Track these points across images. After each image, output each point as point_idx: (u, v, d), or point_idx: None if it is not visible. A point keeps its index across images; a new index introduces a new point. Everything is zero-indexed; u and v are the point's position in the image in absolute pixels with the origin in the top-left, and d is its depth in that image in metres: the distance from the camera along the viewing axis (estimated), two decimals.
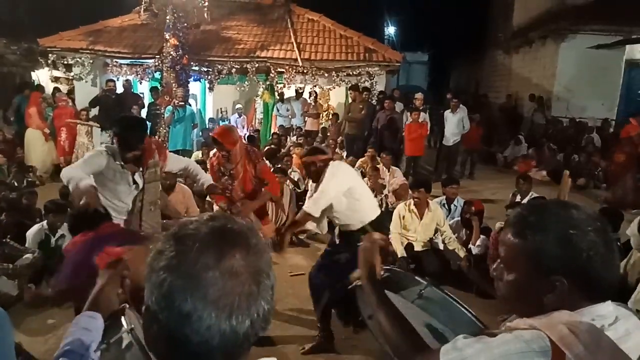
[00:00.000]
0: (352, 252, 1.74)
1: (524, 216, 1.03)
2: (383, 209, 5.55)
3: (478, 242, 4.94)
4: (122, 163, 3.06)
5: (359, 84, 10.00)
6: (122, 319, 1.20)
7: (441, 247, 5.04)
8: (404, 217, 5.03)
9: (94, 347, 1.09)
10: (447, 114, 9.30)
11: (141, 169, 3.17)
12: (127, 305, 1.25)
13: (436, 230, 5.06)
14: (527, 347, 0.91)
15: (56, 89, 10.13)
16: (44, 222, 4.50)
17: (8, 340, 0.98)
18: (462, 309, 1.54)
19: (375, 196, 6.37)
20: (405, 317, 1.22)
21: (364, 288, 1.35)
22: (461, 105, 9.32)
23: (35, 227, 4.49)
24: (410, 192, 5.19)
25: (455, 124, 9.14)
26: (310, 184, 3.63)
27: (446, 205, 5.64)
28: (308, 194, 3.49)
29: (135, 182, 3.16)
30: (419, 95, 9.36)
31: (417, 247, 5.01)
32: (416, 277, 1.69)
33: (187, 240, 0.71)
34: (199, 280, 0.68)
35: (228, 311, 0.68)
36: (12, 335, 0.99)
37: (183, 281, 0.68)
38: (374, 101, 9.97)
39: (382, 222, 3.48)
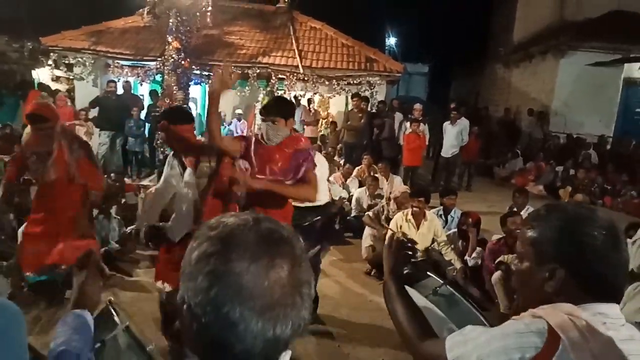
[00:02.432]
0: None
1: (537, 211, 1.11)
2: (383, 216, 5.56)
3: (474, 254, 4.95)
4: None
5: (360, 92, 10.04)
6: (115, 317, 1.19)
7: (437, 257, 5.03)
8: (401, 226, 5.03)
9: (89, 346, 1.08)
10: (446, 125, 9.33)
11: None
12: (112, 299, 1.25)
13: (433, 241, 5.06)
14: (525, 328, 0.95)
15: (56, 90, 10.12)
16: None
17: (21, 339, 0.96)
18: (474, 310, 1.57)
19: (374, 202, 6.40)
20: (419, 308, 1.29)
21: (386, 281, 1.42)
22: (462, 118, 9.37)
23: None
24: (410, 200, 5.18)
25: (454, 135, 9.17)
26: None
27: (443, 216, 5.64)
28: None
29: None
30: (417, 106, 9.39)
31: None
32: (434, 276, 1.75)
33: (236, 247, 0.70)
34: (248, 291, 0.68)
35: (274, 321, 0.68)
36: (25, 336, 0.97)
37: (233, 290, 0.68)
38: (373, 110, 10.00)
39: (327, 208, 4.12)
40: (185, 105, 9.05)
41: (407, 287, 1.40)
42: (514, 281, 1.13)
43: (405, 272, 1.51)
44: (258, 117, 11.03)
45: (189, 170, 2.98)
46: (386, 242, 1.52)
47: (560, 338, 0.90)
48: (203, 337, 0.70)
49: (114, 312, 1.45)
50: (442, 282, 1.70)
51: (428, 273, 1.80)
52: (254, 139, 2.92)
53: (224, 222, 0.74)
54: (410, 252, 1.45)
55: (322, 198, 3.51)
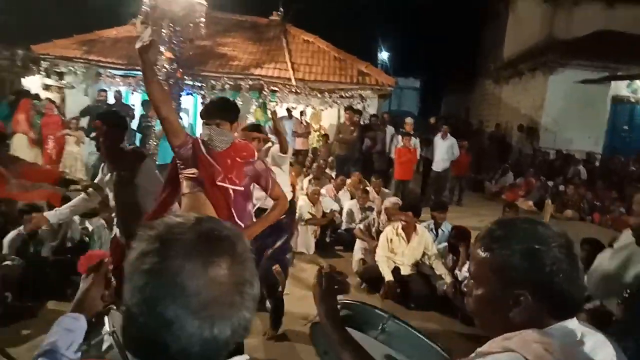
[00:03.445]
0: None
1: (492, 230, 1.04)
2: (374, 229, 5.53)
3: (464, 268, 4.92)
4: None
5: (352, 106, 10.08)
6: (105, 319, 1.20)
7: (428, 271, 5.01)
8: (391, 240, 5.01)
9: (74, 348, 1.09)
10: (437, 139, 9.38)
11: None
12: (114, 307, 1.25)
13: (423, 254, 5.04)
14: None
15: (37, 96, 10.02)
16: (21, 228, 4.19)
17: None
18: (427, 341, 1.49)
19: (365, 215, 6.37)
20: (372, 357, 1.18)
21: (323, 327, 1.26)
22: (450, 135, 9.42)
23: (12, 233, 4.24)
24: (399, 214, 5.17)
25: (445, 150, 9.21)
26: None
27: (434, 230, 5.63)
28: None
29: None
30: (408, 120, 9.44)
31: (404, 271, 4.97)
32: (376, 310, 1.62)
33: (173, 246, 0.69)
34: (183, 289, 0.66)
35: (210, 321, 0.67)
36: None
37: (167, 288, 0.66)
38: (364, 123, 10.04)
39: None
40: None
41: (352, 331, 1.26)
42: (471, 306, 1.05)
43: (342, 312, 1.36)
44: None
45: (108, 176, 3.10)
46: (315, 278, 1.33)
47: None
48: (140, 338, 0.69)
49: (107, 317, 1.44)
50: (386, 316, 1.57)
51: (369, 308, 1.64)
52: (200, 141, 2.57)
53: (165, 222, 0.73)
54: (341, 285, 1.30)
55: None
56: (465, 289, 1.08)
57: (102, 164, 3.21)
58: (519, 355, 0.89)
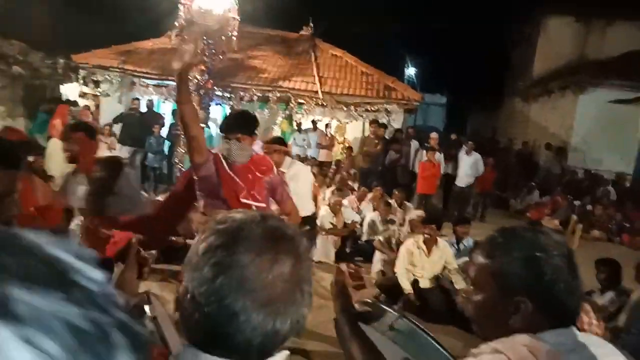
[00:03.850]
0: None
1: (493, 238, 1.06)
2: (394, 240, 5.56)
3: None
4: None
5: (377, 119, 10.16)
6: (146, 307, 1.24)
7: (448, 286, 4.99)
8: (412, 252, 5.02)
9: None
10: (462, 155, 9.35)
11: None
12: (151, 292, 1.30)
13: (444, 268, 5.03)
14: None
15: (74, 102, 10.43)
16: None
17: None
18: (432, 341, 1.53)
19: (386, 227, 6.39)
20: (377, 349, 1.23)
21: (338, 320, 1.33)
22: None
23: None
24: (421, 227, 5.19)
25: (469, 165, 9.17)
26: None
27: (455, 245, 5.61)
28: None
29: None
30: (433, 135, 9.45)
31: (424, 284, 4.97)
32: (387, 309, 1.67)
33: (243, 241, 0.73)
34: (252, 283, 0.70)
35: (274, 315, 0.71)
36: None
37: (237, 282, 0.70)
38: (389, 138, 10.08)
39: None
40: (202, 126, 9.25)
41: (362, 326, 1.32)
42: (471, 311, 1.08)
43: (358, 309, 1.41)
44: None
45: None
46: (334, 277, 1.42)
47: None
48: (204, 327, 0.72)
49: (147, 302, 1.51)
50: (397, 315, 1.62)
51: (383, 307, 1.71)
52: (220, 156, 2.52)
53: (232, 217, 0.77)
54: (361, 285, 1.38)
55: (308, 208, 3.44)
56: (464, 295, 1.11)
57: (68, 176, 3.00)
58: (503, 356, 0.92)
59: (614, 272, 4.46)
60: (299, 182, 3.42)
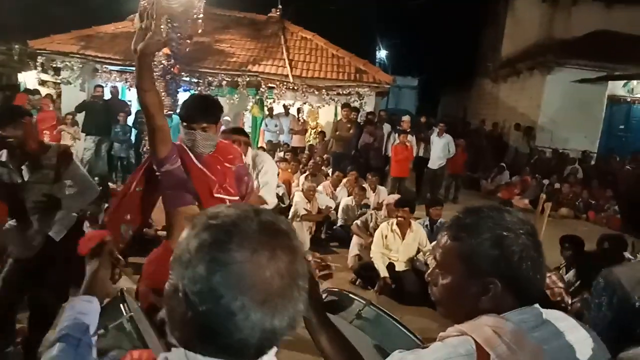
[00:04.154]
0: None
1: (459, 219, 1.04)
2: (371, 225, 5.54)
3: None
4: None
5: (349, 103, 10.09)
6: (121, 306, 1.21)
7: (422, 268, 5.02)
8: (386, 236, 5.03)
9: (91, 331, 1.09)
10: (434, 137, 9.40)
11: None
12: (124, 289, 1.26)
13: (418, 251, 5.05)
14: (454, 351, 0.92)
15: (36, 91, 9.97)
16: None
17: None
18: (400, 327, 1.52)
19: (361, 211, 6.39)
20: (347, 339, 1.22)
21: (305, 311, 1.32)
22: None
23: None
24: (395, 210, 5.18)
25: (440, 147, 9.24)
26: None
27: (429, 226, 5.65)
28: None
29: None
30: (405, 118, 9.46)
31: (399, 267, 4.99)
32: (354, 297, 1.66)
33: (238, 237, 0.69)
34: (250, 281, 0.67)
35: (272, 312, 0.69)
36: None
37: (233, 280, 0.67)
38: (361, 121, 10.04)
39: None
40: (170, 112, 9.00)
41: (330, 316, 1.31)
42: (437, 295, 1.06)
43: (325, 298, 1.42)
44: (247, 125, 11.04)
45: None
46: None
47: (489, 356, 0.88)
48: (198, 326, 0.69)
49: (122, 301, 1.47)
50: (363, 303, 1.61)
51: (350, 296, 1.70)
52: (186, 148, 2.28)
53: (224, 212, 0.73)
54: (327, 274, 1.35)
55: (271, 200, 3.21)
56: (429, 279, 1.08)
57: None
58: (469, 338, 0.92)
59: (578, 249, 4.58)
60: (267, 174, 3.25)
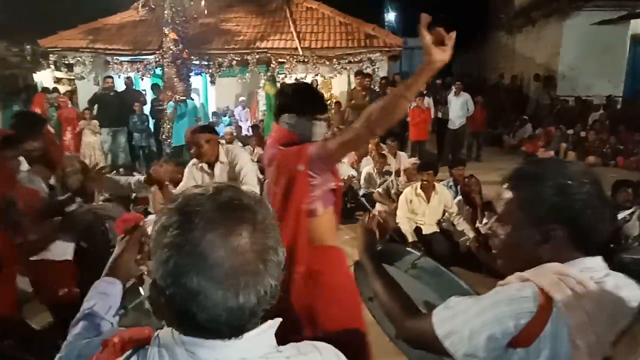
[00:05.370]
0: None
1: (520, 169, 1.04)
2: (393, 191, 5.53)
3: (484, 220, 4.90)
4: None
5: (362, 70, 9.93)
6: (140, 289, 1.24)
7: (450, 228, 5.02)
8: (411, 201, 5.01)
9: (113, 312, 1.12)
10: (451, 97, 9.22)
11: None
12: (146, 272, 1.29)
13: (444, 212, 5.03)
14: (516, 293, 0.92)
15: (55, 89, 10.10)
16: None
17: None
18: (456, 278, 1.53)
19: (383, 179, 6.37)
20: (399, 285, 1.25)
21: (361, 261, 1.39)
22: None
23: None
24: (418, 174, 5.15)
25: (459, 106, 9.08)
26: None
27: (454, 187, 5.60)
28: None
29: None
30: None
31: (426, 230, 4.99)
32: (410, 249, 1.69)
33: (192, 217, 0.69)
34: (204, 260, 0.67)
35: (234, 290, 0.68)
36: None
37: (189, 260, 0.68)
38: (376, 88, 9.89)
39: None
40: (184, 97, 9.01)
41: (385, 266, 1.35)
42: (498, 246, 1.06)
43: (380, 248, 1.48)
44: (261, 103, 10.99)
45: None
46: (361, 220, 1.50)
47: (553, 300, 0.88)
48: (169, 309, 0.71)
49: (141, 283, 1.52)
50: (420, 254, 1.63)
51: (405, 248, 1.72)
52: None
53: (185, 194, 0.74)
54: (386, 230, 1.44)
55: (255, 184, 3.25)
56: (490, 231, 1.09)
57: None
58: (533, 284, 0.91)
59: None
60: (244, 167, 3.15)
